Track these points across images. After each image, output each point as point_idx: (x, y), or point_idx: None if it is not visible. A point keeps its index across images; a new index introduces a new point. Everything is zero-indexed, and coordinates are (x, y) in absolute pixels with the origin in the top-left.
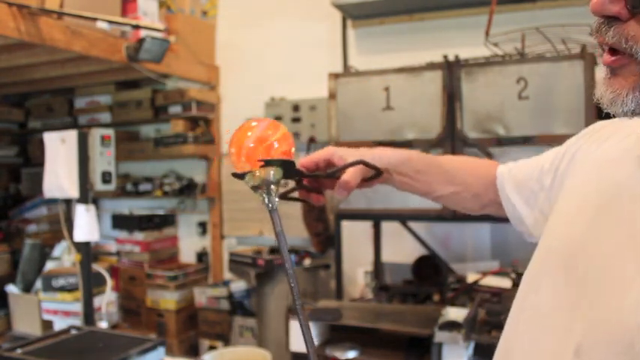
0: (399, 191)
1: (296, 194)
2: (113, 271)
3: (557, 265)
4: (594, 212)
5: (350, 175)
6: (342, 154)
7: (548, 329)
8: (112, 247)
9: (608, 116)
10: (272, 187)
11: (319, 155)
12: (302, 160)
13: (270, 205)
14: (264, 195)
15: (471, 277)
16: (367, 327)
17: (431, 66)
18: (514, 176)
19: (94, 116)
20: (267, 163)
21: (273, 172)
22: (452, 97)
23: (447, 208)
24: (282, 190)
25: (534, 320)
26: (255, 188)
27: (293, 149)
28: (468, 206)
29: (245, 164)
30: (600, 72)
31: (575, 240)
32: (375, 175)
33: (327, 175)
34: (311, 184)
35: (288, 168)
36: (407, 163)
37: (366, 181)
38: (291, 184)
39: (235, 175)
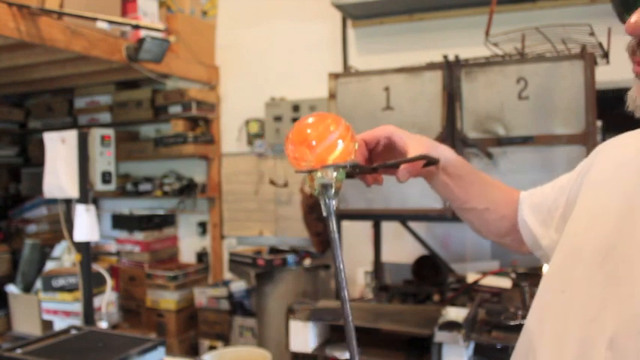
0: (399, 191)
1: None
2: (113, 271)
3: (585, 265)
4: (621, 212)
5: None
6: (402, 135)
7: (578, 325)
8: (112, 247)
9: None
10: (331, 190)
11: (381, 132)
12: (363, 135)
13: (328, 209)
14: (323, 198)
15: (470, 277)
16: (367, 327)
17: (431, 66)
18: (532, 201)
19: (94, 116)
20: (328, 166)
21: (335, 175)
22: (452, 97)
23: (471, 224)
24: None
25: (562, 317)
26: (315, 190)
27: (356, 145)
28: (492, 228)
29: (305, 163)
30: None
31: (604, 239)
32: (429, 163)
33: (388, 165)
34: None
35: (353, 169)
36: (455, 163)
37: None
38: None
39: (300, 171)
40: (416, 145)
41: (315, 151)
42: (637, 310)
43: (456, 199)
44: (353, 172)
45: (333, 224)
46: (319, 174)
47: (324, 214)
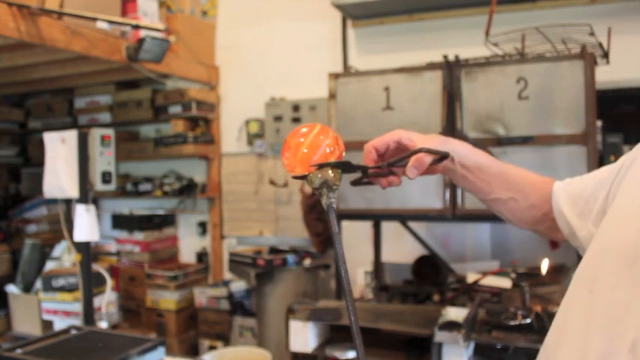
0: (399, 191)
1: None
2: (113, 271)
3: (613, 265)
4: None
5: (423, 155)
6: (411, 137)
7: (603, 326)
8: (112, 247)
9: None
10: (332, 186)
11: (390, 137)
12: (373, 141)
13: (329, 204)
14: (324, 194)
15: (470, 277)
16: (367, 327)
17: (431, 66)
18: (569, 191)
19: (94, 116)
20: (321, 167)
21: (332, 174)
22: (452, 97)
23: (500, 214)
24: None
25: (587, 317)
26: (315, 189)
27: (344, 152)
28: (522, 217)
29: (300, 169)
30: None
31: (634, 241)
32: (439, 159)
33: (388, 164)
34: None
35: (344, 167)
36: (472, 157)
37: (430, 165)
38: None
39: (296, 177)
40: (423, 142)
41: (308, 157)
42: None
43: (478, 190)
44: (363, 175)
45: (334, 220)
46: (320, 174)
47: (326, 208)
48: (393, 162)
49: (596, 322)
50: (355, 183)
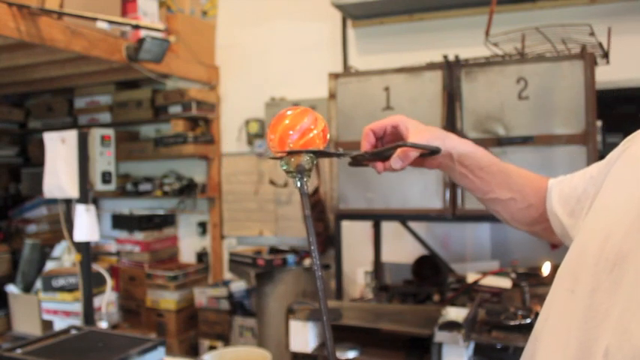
0: (399, 191)
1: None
2: (113, 271)
3: (594, 267)
4: (636, 215)
5: (409, 148)
6: (408, 125)
7: (581, 328)
8: (112, 247)
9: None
10: (305, 172)
11: (388, 121)
12: (372, 125)
13: (302, 189)
14: (297, 178)
15: (470, 277)
16: (367, 327)
17: (431, 66)
18: (561, 189)
19: (94, 116)
20: (295, 153)
21: (307, 159)
22: (452, 97)
23: (497, 214)
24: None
25: (568, 318)
26: (289, 172)
27: (328, 135)
28: (519, 217)
29: (283, 150)
30: None
31: (616, 245)
32: (429, 153)
33: (372, 153)
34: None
35: (320, 153)
36: (472, 155)
37: (422, 158)
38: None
39: (272, 157)
40: (416, 134)
41: (290, 139)
42: (630, 326)
43: (477, 189)
44: (361, 159)
45: (307, 203)
46: (294, 159)
47: (299, 192)
48: (376, 152)
49: (575, 324)
50: (353, 164)
